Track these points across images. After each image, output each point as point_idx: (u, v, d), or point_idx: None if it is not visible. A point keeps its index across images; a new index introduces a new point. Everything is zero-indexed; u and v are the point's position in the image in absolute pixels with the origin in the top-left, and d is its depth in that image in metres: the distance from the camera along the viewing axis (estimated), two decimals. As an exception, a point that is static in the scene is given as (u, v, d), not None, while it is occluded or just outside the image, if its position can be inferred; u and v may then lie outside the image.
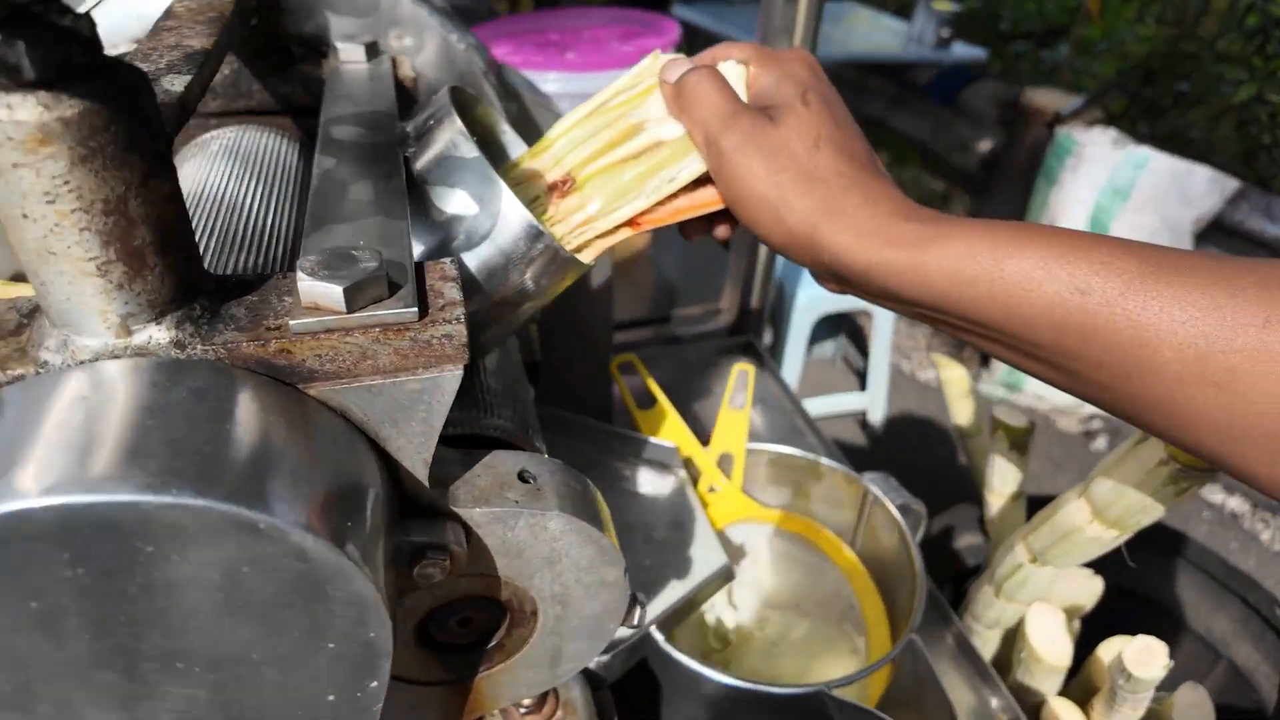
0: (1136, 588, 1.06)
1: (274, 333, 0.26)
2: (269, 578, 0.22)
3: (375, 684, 0.27)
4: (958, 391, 1.03)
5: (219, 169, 0.44)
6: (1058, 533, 0.62)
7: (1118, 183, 2.10)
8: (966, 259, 0.34)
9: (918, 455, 2.12)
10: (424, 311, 0.28)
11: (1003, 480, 0.79)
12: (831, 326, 2.41)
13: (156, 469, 0.21)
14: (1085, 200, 2.13)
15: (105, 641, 0.21)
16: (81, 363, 0.25)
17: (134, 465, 0.21)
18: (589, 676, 0.52)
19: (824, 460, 0.75)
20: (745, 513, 0.75)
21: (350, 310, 0.26)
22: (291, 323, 0.26)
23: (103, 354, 0.25)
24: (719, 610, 0.70)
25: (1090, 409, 2.20)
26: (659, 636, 0.58)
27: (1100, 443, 2.16)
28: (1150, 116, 2.84)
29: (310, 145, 0.50)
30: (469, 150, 0.38)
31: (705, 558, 0.66)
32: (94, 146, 0.22)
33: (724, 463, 0.77)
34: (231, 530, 0.21)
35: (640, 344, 1.21)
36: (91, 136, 0.22)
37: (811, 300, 1.96)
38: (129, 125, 0.23)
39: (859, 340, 2.46)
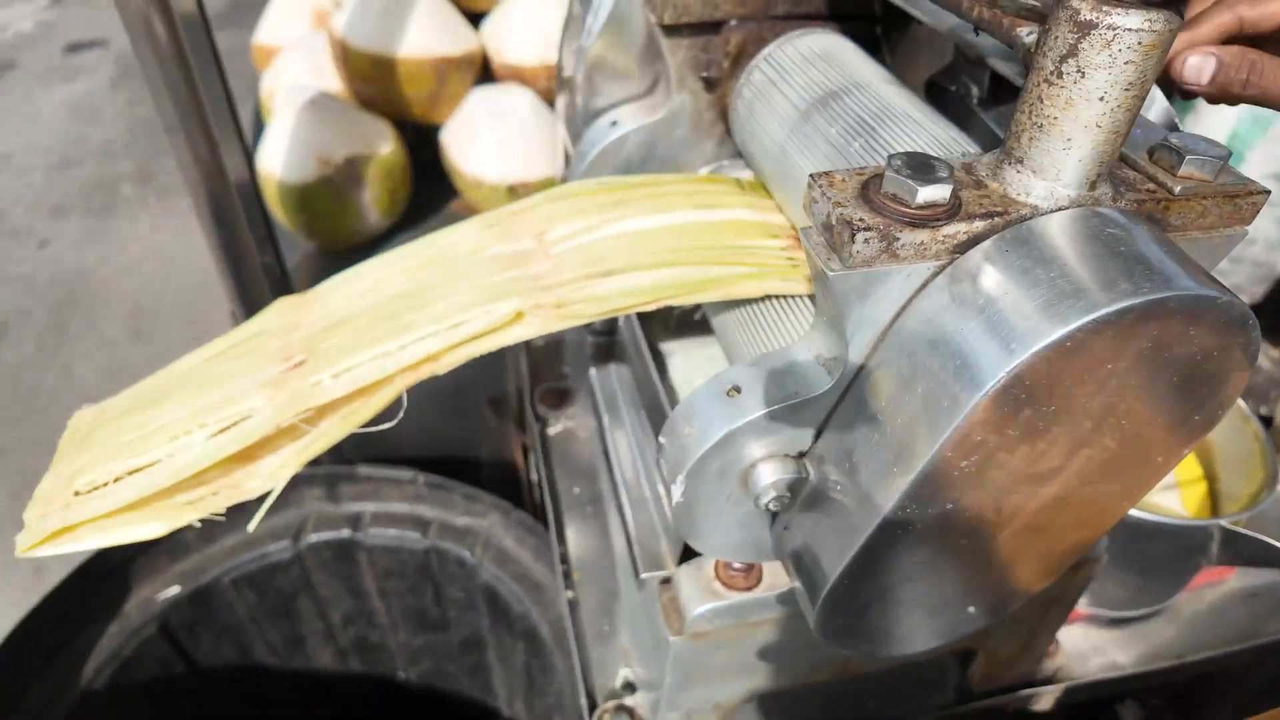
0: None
1: (1161, 193, 0.36)
2: (1213, 361, 0.32)
3: (1184, 450, 0.38)
4: None
5: (833, 68, 0.53)
6: None
7: (1259, 111, 2.10)
8: None
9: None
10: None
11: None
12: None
13: (1191, 277, 0.31)
14: (1222, 127, 2.13)
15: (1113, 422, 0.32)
16: (1061, 208, 0.34)
17: (1187, 275, 0.31)
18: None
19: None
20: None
21: (1214, 179, 0.36)
22: (1177, 189, 0.36)
23: (1076, 202, 0.34)
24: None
25: None
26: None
27: None
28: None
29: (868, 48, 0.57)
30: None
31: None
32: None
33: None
34: (1223, 321, 0.31)
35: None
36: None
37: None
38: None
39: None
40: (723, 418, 0.40)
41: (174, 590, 1.07)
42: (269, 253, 0.96)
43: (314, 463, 1.32)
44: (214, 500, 0.48)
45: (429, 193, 1.26)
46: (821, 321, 0.39)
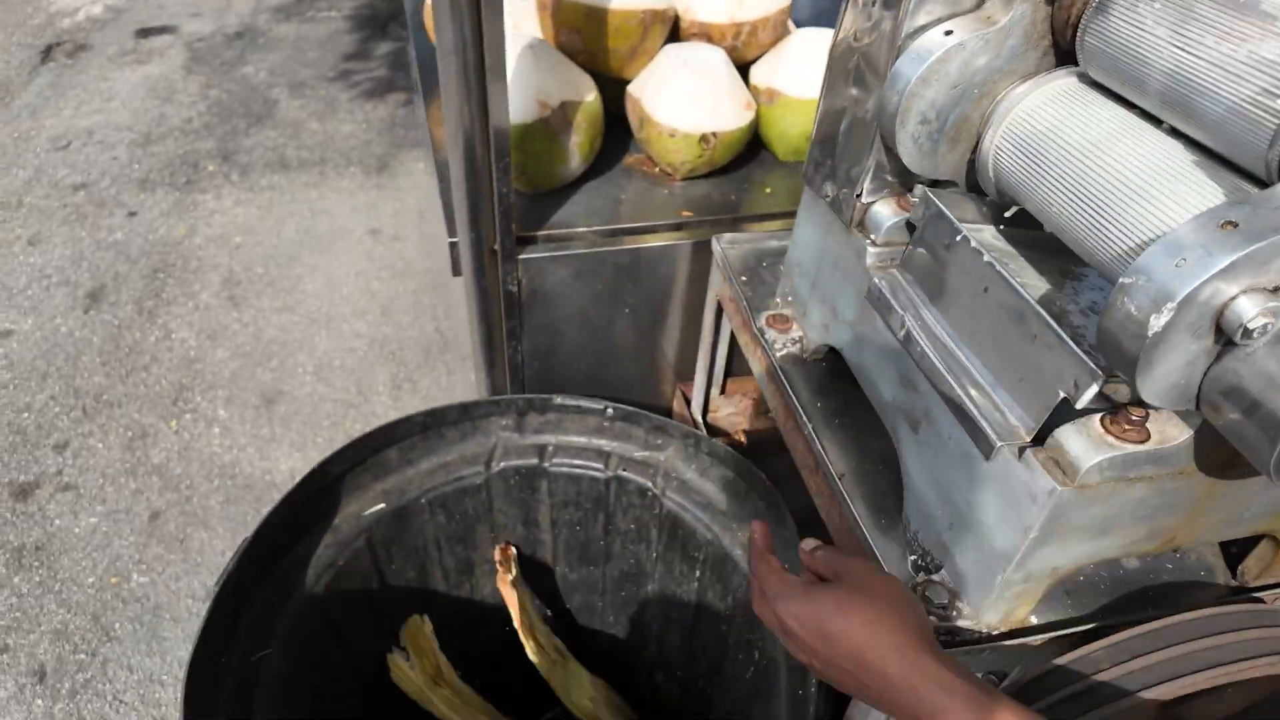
0: None
1: None
2: None
3: None
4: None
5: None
6: None
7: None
8: None
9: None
10: None
11: None
12: None
13: None
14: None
15: None
16: None
17: None
18: None
19: None
20: None
21: None
22: None
23: None
24: None
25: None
26: None
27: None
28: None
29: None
30: None
31: None
32: None
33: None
34: None
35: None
36: None
37: None
38: None
39: None
40: (1223, 248, 0.44)
41: (380, 507, 1.10)
42: (506, 183, 1.01)
43: (499, 393, 1.33)
44: None
45: (607, 144, 1.31)
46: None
